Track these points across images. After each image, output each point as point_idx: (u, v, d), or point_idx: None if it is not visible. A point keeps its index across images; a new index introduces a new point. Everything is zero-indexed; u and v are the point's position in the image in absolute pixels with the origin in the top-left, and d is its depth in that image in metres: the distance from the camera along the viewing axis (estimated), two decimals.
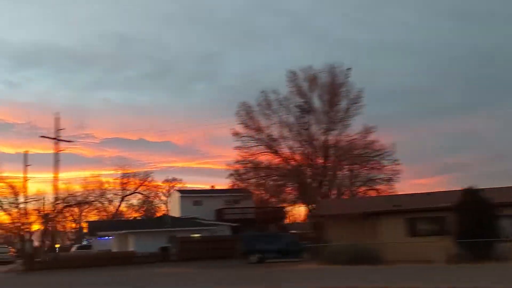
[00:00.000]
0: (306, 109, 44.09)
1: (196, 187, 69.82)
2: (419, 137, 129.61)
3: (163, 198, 74.15)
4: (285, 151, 44.98)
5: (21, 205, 36.43)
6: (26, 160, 39.10)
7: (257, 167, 45.49)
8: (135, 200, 73.95)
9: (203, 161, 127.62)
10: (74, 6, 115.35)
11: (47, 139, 39.46)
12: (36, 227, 42.12)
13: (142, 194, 72.15)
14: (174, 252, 37.53)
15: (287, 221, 57.83)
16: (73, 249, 50.12)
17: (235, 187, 50.91)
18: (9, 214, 37.15)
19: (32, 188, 48.24)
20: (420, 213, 26.60)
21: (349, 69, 43.18)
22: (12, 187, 36.46)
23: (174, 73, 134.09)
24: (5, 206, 36.30)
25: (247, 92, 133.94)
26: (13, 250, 50.08)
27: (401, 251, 23.74)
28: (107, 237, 46.93)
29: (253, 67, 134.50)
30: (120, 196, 69.80)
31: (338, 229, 28.02)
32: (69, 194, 53.22)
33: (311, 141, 44.36)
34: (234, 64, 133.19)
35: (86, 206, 65.84)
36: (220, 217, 49.63)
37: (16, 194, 36.40)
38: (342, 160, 43.61)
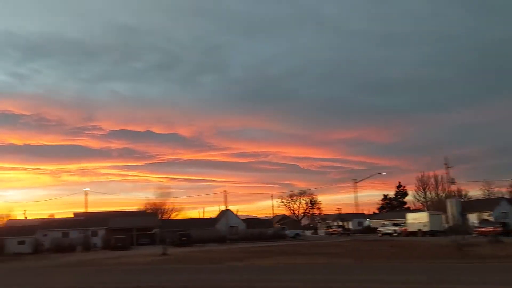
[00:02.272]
0: None
1: None
2: (427, 129, 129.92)
3: None
4: None
5: None
6: None
7: None
8: None
9: (210, 153, 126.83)
10: None
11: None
12: None
13: None
14: None
15: None
16: None
17: None
18: None
19: None
20: None
21: None
22: None
23: (182, 64, 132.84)
24: None
25: (255, 83, 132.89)
26: None
27: None
28: None
29: (261, 58, 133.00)
30: None
31: None
32: None
33: None
34: (242, 55, 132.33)
35: None
36: None
37: None
38: None
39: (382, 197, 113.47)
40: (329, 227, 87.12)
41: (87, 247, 56.95)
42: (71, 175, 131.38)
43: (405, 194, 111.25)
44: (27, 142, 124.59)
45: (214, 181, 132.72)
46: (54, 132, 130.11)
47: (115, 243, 51.78)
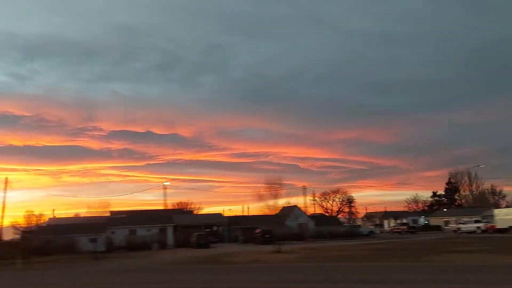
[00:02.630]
0: None
1: None
2: (427, 129, 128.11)
3: None
4: None
5: None
6: None
7: None
8: None
9: (210, 153, 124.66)
10: None
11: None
12: None
13: None
14: None
15: None
16: None
17: None
18: None
19: None
20: None
21: None
22: None
23: (182, 65, 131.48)
24: None
25: (255, 83, 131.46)
26: None
27: None
28: None
29: (261, 58, 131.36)
30: None
31: None
32: None
33: None
34: (242, 55, 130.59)
35: None
36: None
37: None
38: None
39: (432, 194, 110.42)
40: (398, 225, 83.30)
41: (163, 244, 53.94)
42: (71, 175, 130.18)
43: (456, 190, 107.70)
44: (27, 143, 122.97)
45: (214, 181, 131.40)
46: (54, 133, 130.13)
47: (197, 240, 48.57)
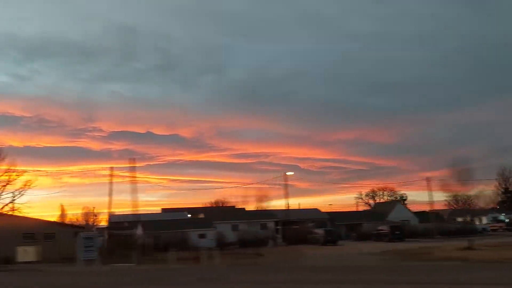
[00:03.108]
0: None
1: None
2: (427, 129, 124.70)
3: None
4: None
5: None
6: None
7: None
8: None
9: (210, 154, 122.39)
10: None
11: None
12: None
13: None
14: None
15: None
16: None
17: None
18: None
19: None
20: None
21: None
22: None
23: (182, 65, 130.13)
24: None
25: (255, 84, 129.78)
26: None
27: None
28: None
29: (261, 59, 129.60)
30: None
31: None
32: None
33: None
34: (242, 56, 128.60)
35: None
36: None
37: None
38: None
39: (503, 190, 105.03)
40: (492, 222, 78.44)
41: (275, 240, 50.73)
42: (72, 176, 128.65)
43: None
44: (28, 144, 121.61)
45: (214, 182, 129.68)
46: (55, 134, 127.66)
47: (326, 236, 45.05)
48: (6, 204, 55.96)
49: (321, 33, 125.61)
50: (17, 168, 46.92)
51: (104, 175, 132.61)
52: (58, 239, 41.22)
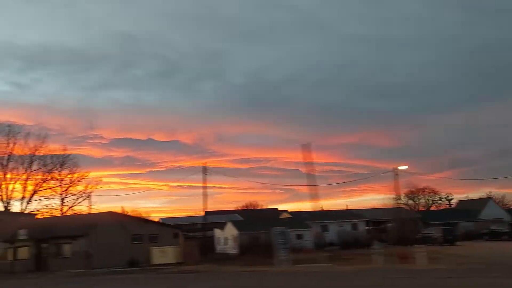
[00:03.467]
0: None
1: None
2: (428, 132, 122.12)
3: None
4: None
5: None
6: None
7: None
8: None
9: (211, 159, 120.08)
10: (81, 6, 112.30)
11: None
12: None
13: None
14: None
15: None
16: None
17: None
18: None
19: None
20: None
21: None
22: None
23: (182, 71, 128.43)
24: None
25: (255, 89, 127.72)
26: None
27: None
28: None
29: (261, 64, 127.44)
30: None
31: None
32: None
33: None
34: (242, 61, 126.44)
35: None
36: None
37: None
38: None
39: None
40: None
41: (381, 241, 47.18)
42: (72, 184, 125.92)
43: None
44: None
45: (216, 187, 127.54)
46: (56, 142, 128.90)
47: (445, 236, 41.73)
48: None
49: (321, 37, 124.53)
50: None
51: (106, 183, 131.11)
52: (161, 240, 38.48)
